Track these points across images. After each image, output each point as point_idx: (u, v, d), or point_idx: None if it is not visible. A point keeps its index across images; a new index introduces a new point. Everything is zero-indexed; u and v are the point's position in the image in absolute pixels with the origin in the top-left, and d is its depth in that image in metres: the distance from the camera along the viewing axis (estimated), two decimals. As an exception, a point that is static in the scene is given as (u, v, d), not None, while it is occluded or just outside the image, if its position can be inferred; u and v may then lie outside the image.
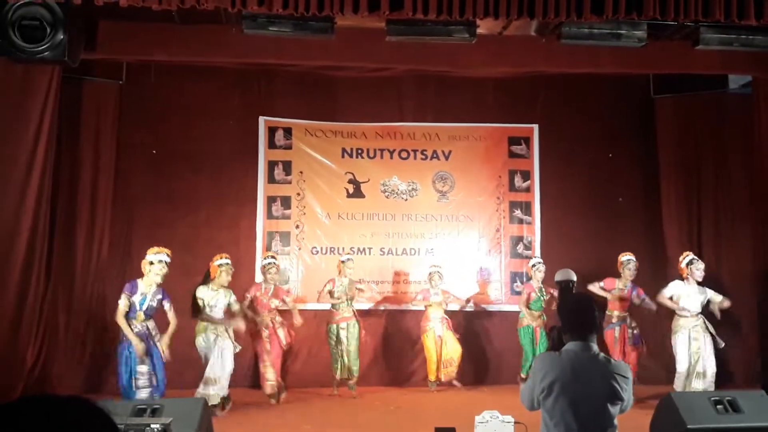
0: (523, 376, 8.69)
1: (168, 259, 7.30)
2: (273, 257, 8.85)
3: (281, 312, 8.72)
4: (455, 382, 9.24)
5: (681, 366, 8.09)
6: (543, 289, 9.06)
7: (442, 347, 9.08)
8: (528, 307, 9.03)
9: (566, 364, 3.34)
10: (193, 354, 7.90)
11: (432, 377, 9.21)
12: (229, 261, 8.03)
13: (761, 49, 7.50)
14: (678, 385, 8.02)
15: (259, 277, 9.17)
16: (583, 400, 3.31)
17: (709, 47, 7.46)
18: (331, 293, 8.96)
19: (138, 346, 7.03)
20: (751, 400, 6.01)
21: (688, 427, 5.60)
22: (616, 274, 8.75)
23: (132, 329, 7.10)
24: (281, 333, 8.51)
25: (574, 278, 8.85)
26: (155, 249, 7.34)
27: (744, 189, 9.65)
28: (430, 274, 9.32)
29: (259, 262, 9.51)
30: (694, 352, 8.05)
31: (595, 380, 3.34)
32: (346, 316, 8.93)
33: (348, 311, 8.97)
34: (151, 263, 7.24)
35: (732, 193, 9.79)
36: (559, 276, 8.90)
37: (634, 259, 8.71)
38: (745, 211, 9.61)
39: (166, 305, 7.34)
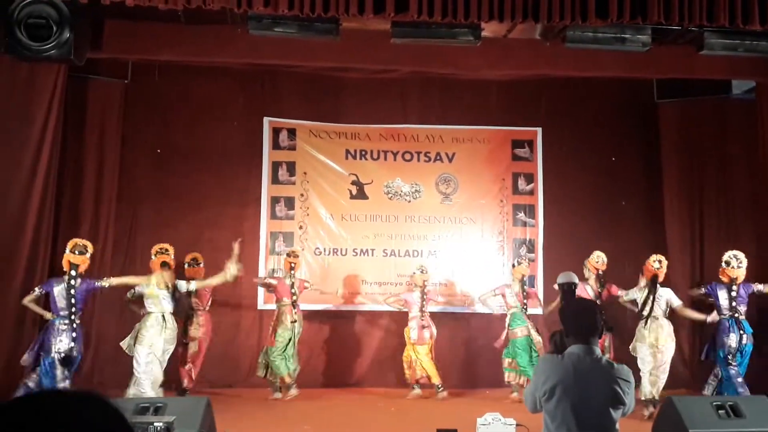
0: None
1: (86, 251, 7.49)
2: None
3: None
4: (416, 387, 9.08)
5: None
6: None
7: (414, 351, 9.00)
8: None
9: (569, 368, 3.35)
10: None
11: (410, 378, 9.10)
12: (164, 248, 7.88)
13: (766, 54, 7.51)
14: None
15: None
16: (585, 403, 3.31)
17: (714, 52, 7.46)
18: (267, 286, 9.04)
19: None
20: (754, 404, 6.02)
21: (690, 431, 5.61)
22: (616, 278, 8.80)
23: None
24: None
25: (577, 281, 8.83)
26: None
27: (746, 194, 9.65)
28: (413, 273, 9.19)
29: (263, 262, 9.59)
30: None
31: (597, 384, 3.34)
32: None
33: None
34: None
35: (734, 198, 9.80)
36: (561, 279, 8.85)
37: (596, 259, 8.80)
38: (748, 216, 9.61)
39: (99, 283, 7.57)
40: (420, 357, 8.89)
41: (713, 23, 6.67)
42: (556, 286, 8.83)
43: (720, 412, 5.84)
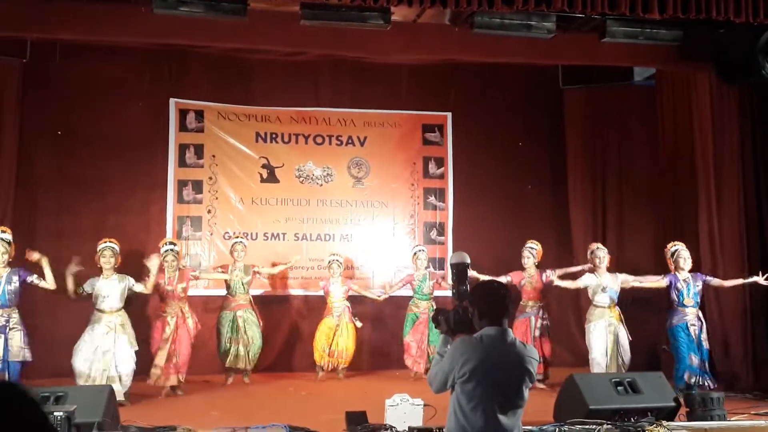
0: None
1: (8, 237, 7.15)
2: (173, 243, 8.49)
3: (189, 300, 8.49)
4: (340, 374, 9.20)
5: (595, 353, 8.08)
6: (427, 276, 9.24)
7: (334, 337, 9.03)
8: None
9: (488, 350, 3.40)
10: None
11: (318, 362, 9.14)
12: (109, 244, 7.62)
13: (664, 42, 7.75)
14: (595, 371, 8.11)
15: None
16: (503, 384, 3.37)
17: (615, 40, 7.66)
18: (226, 281, 8.86)
19: None
20: (650, 380, 6.28)
21: (590, 407, 5.81)
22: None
23: None
24: (190, 322, 8.22)
25: (468, 261, 8.93)
26: None
27: (646, 177, 10.01)
28: (329, 262, 9.27)
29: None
30: (611, 344, 8.06)
31: (514, 364, 3.41)
32: (242, 303, 8.80)
33: (244, 298, 8.83)
34: None
35: (635, 181, 10.15)
36: (453, 259, 8.94)
37: (535, 246, 8.84)
38: (647, 199, 9.97)
39: (31, 278, 7.18)
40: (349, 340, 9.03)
41: (615, 11, 6.84)
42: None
43: (619, 388, 6.08)
